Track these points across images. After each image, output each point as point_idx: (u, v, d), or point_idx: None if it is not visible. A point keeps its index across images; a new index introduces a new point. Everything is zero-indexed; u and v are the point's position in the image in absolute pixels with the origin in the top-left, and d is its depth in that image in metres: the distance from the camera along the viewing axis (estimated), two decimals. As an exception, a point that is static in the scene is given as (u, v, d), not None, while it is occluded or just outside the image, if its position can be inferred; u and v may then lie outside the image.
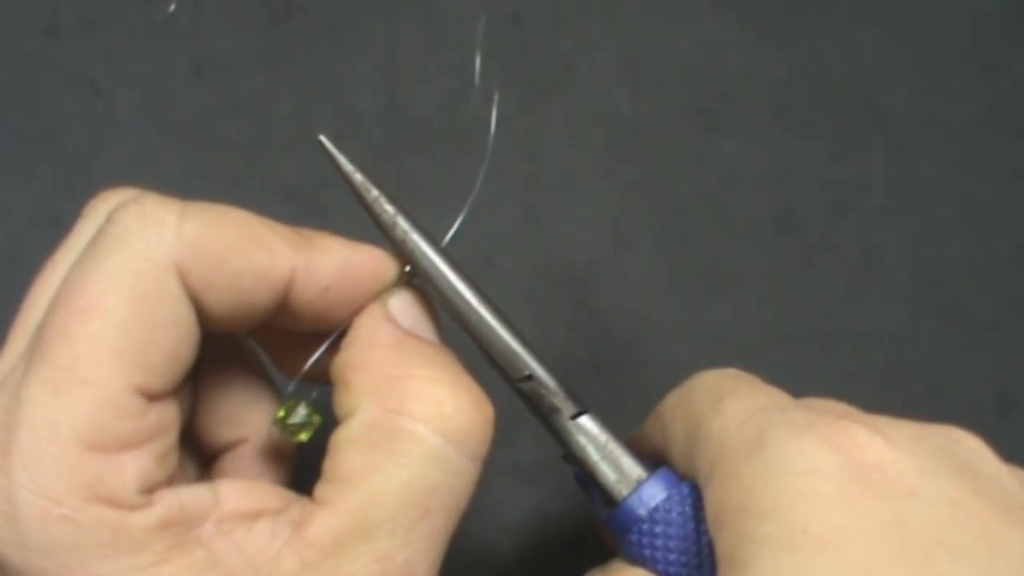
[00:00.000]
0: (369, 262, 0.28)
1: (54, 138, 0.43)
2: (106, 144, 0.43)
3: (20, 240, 0.42)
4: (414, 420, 0.26)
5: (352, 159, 0.29)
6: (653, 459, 0.30)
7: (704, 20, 0.46)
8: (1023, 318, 0.43)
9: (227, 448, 0.30)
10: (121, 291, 0.25)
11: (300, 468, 0.31)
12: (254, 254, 0.26)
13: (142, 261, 0.25)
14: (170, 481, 0.26)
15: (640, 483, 0.29)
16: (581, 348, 0.42)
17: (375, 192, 0.29)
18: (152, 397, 0.25)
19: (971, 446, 0.26)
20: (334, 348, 0.29)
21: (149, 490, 0.25)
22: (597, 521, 0.31)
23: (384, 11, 0.45)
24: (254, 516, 0.26)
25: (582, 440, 0.29)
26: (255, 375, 0.30)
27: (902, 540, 0.23)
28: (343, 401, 0.27)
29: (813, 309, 0.43)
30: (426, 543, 0.26)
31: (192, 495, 0.25)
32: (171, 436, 0.26)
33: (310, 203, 0.43)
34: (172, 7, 0.45)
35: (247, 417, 0.29)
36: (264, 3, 0.45)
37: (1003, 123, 0.46)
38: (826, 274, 0.43)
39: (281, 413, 0.29)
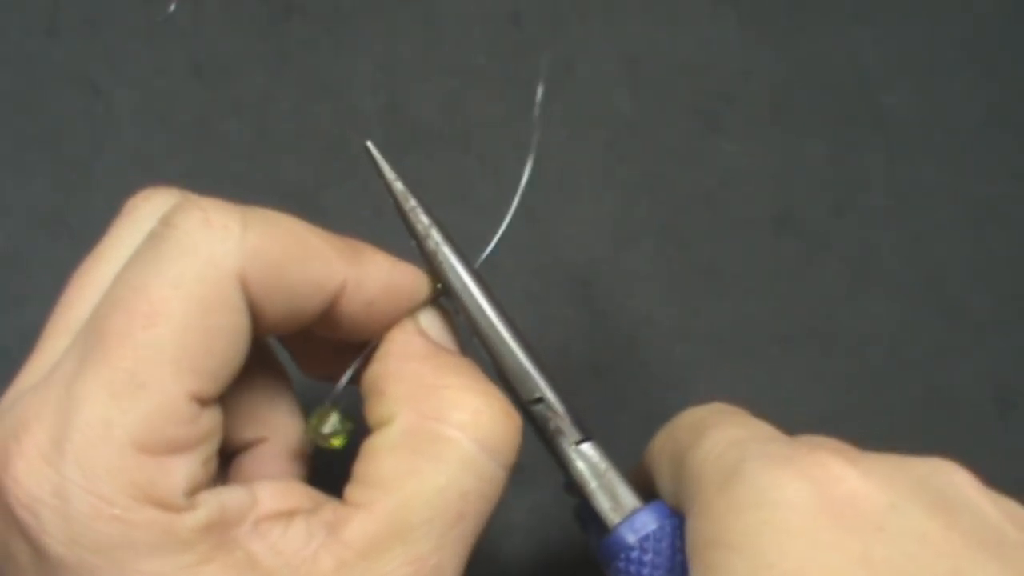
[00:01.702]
0: (410, 280, 0.29)
1: (54, 138, 0.43)
2: (106, 144, 0.43)
3: (20, 240, 0.42)
4: (452, 427, 0.27)
5: (394, 167, 0.30)
6: (651, 493, 0.31)
7: (704, 20, 0.46)
8: (1023, 318, 0.43)
9: (246, 447, 0.30)
10: (185, 297, 0.25)
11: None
12: (311, 265, 0.27)
13: (207, 268, 0.25)
14: (209, 482, 0.26)
15: (633, 512, 0.29)
16: (581, 348, 0.42)
17: (413, 202, 0.30)
18: (204, 403, 0.26)
19: (954, 479, 0.26)
20: (360, 355, 0.29)
21: (193, 492, 0.25)
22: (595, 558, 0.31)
23: (384, 11, 0.46)
24: (288, 516, 0.26)
25: (581, 466, 0.30)
26: (275, 374, 0.31)
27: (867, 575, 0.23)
28: (378, 409, 0.28)
29: (813, 309, 0.43)
30: (457, 546, 0.27)
31: (231, 496, 0.26)
32: (217, 439, 0.26)
33: (310, 203, 0.43)
34: (172, 7, 0.45)
35: (267, 416, 0.30)
36: (264, 3, 0.45)
37: (1003, 123, 0.46)
38: (826, 274, 0.43)
39: (314, 421, 0.29)
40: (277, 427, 0.30)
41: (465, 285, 0.30)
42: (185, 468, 0.25)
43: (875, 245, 0.44)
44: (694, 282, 0.43)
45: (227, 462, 0.31)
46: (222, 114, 0.44)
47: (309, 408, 0.30)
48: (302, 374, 0.32)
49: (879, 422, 0.42)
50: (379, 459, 0.27)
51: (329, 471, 0.29)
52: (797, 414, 0.42)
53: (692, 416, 0.30)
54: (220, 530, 0.25)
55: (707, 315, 0.43)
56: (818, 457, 0.25)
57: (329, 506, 0.27)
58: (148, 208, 0.28)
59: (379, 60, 0.45)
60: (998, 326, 0.43)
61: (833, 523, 0.24)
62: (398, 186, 0.29)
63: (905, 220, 0.44)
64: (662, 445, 0.30)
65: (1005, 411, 0.42)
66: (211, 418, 0.26)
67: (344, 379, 0.30)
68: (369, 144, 0.29)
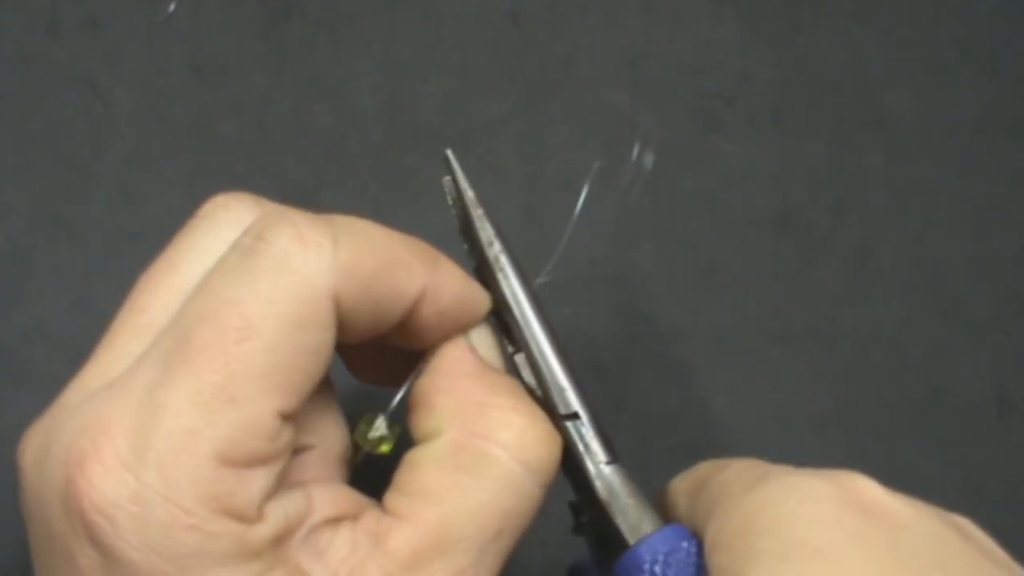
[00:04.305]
0: (477, 295, 0.30)
1: (54, 138, 0.43)
2: (106, 144, 0.43)
3: (20, 240, 0.42)
4: (497, 446, 0.27)
5: (467, 175, 0.31)
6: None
7: (704, 20, 0.46)
8: (1022, 318, 0.43)
9: (294, 453, 0.30)
10: (279, 314, 0.25)
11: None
12: (397, 276, 0.27)
13: (302, 287, 0.25)
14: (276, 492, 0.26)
15: (653, 532, 0.29)
16: (581, 348, 0.42)
17: (481, 211, 0.31)
18: (287, 418, 0.26)
19: (968, 522, 0.27)
20: (409, 365, 0.30)
21: (264, 503, 0.25)
22: None
23: (384, 11, 0.45)
24: (336, 523, 0.26)
25: (606, 486, 0.30)
26: (322, 382, 0.30)
27: (897, 559, 0.23)
28: (425, 422, 0.28)
29: (813, 309, 0.43)
30: (494, 561, 0.27)
31: (292, 504, 0.26)
32: (291, 452, 0.27)
33: (310, 203, 0.43)
34: (172, 7, 0.45)
35: (314, 424, 0.29)
36: (264, 3, 0.45)
37: (1003, 123, 0.46)
38: (826, 274, 0.43)
39: (362, 426, 0.30)
40: (324, 435, 0.30)
41: (516, 293, 0.30)
42: (262, 481, 0.25)
43: (875, 245, 0.44)
44: (694, 282, 0.43)
45: None
46: (222, 114, 0.44)
47: (352, 415, 0.31)
48: (351, 379, 0.32)
49: (879, 422, 0.42)
50: (423, 471, 0.27)
51: (368, 477, 0.29)
52: (797, 414, 0.42)
53: (711, 460, 0.31)
54: (283, 538, 0.25)
55: (707, 315, 0.43)
56: (844, 472, 0.26)
57: (372, 513, 0.27)
58: (227, 216, 0.28)
59: (379, 60, 0.45)
60: (998, 326, 0.43)
61: (860, 517, 0.24)
62: (470, 194, 0.31)
63: (905, 220, 0.44)
64: (678, 483, 0.31)
65: (1005, 411, 0.42)
66: (290, 432, 0.26)
67: (399, 396, 0.30)
68: (449, 152, 0.31)
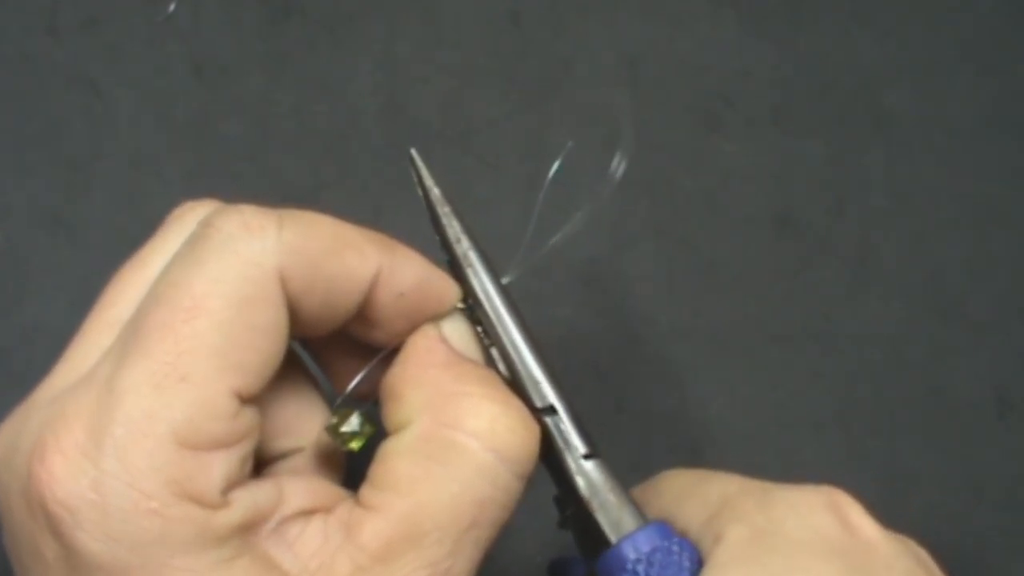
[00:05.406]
0: (441, 283, 0.30)
1: (54, 138, 0.43)
2: (106, 144, 0.43)
3: (20, 240, 0.42)
4: (467, 435, 0.27)
5: (433, 174, 0.31)
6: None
7: (704, 20, 0.46)
8: (1022, 318, 0.43)
9: (279, 457, 0.30)
10: (226, 293, 0.25)
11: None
12: (347, 256, 0.27)
13: (247, 266, 0.26)
14: (244, 481, 0.26)
15: (637, 529, 0.29)
16: (581, 348, 0.42)
17: (448, 208, 0.31)
18: (245, 400, 0.26)
19: (924, 553, 0.29)
20: (383, 365, 0.30)
21: (229, 490, 0.25)
22: None
23: (384, 11, 0.46)
24: (308, 516, 0.26)
25: (586, 481, 0.29)
26: (307, 385, 0.31)
27: None
28: (395, 413, 0.28)
29: (813, 309, 0.43)
30: (470, 552, 0.27)
31: (263, 494, 0.26)
32: (254, 439, 0.26)
33: (310, 203, 0.43)
34: (172, 7, 0.45)
35: (301, 427, 0.30)
36: (264, 3, 0.45)
37: (1003, 123, 0.46)
38: (826, 274, 0.43)
39: (334, 421, 0.29)
40: (312, 438, 0.30)
41: (487, 289, 0.30)
42: (223, 465, 0.25)
43: (875, 245, 0.44)
44: (694, 282, 0.43)
45: (260, 469, 0.30)
46: (222, 114, 0.44)
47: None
48: (334, 387, 0.32)
49: (879, 422, 0.42)
50: (394, 463, 0.27)
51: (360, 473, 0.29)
52: (797, 414, 0.42)
53: (677, 471, 0.32)
54: (250, 528, 0.25)
55: (707, 315, 0.43)
56: (842, 498, 0.28)
57: (345, 505, 0.27)
58: (192, 217, 0.29)
59: (379, 60, 0.45)
60: (998, 326, 0.43)
61: (856, 555, 0.27)
62: (435, 191, 0.31)
63: (905, 220, 0.44)
64: (658, 486, 0.31)
65: (1004, 411, 0.42)
66: (250, 416, 0.26)
67: (359, 377, 0.30)
68: (413, 152, 0.31)
